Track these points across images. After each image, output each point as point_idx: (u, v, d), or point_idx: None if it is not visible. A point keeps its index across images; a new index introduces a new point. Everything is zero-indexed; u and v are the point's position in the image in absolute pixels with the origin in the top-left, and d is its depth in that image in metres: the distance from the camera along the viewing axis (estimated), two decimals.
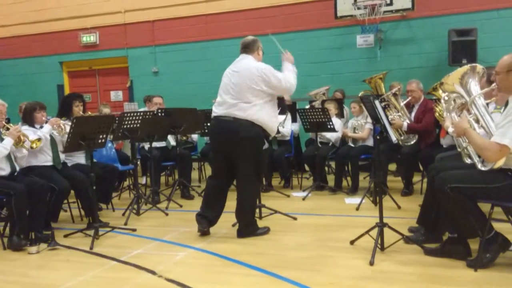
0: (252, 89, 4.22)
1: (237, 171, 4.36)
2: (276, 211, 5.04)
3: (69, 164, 5.23)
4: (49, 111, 5.40)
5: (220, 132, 4.35)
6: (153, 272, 3.57)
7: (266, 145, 4.66)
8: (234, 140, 4.23)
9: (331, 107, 6.66)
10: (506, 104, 3.25)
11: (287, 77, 4.41)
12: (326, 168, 7.31)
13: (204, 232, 4.44)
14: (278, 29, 9.38)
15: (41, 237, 4.38)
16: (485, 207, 3.39)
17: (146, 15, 10.38)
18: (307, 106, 7.47)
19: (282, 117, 5.55)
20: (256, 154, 4.32)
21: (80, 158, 5.36)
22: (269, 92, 4.30)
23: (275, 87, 4.32)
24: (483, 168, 3.31)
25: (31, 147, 4.56)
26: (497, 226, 3.45)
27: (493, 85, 3.40)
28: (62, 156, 5.07)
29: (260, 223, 4.85)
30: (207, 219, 4.43)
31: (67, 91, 11.25)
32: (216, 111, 4.37)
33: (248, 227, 4.41)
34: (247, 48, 4.46)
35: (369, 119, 6.29)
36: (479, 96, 3.43)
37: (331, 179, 6.68)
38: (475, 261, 3.31)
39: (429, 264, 3.47)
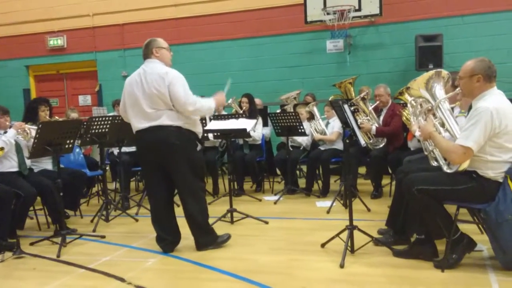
0: (163, 96, 3.85)
1: (177, 183, 4.04)
2: (247, 215, 5.03)
3: (35, 170, 5.11)
4: (15, 116, 5.27)
5: (150, 144, 3.93)
6: (122, 280, 3.51)
7: (199, 147, 4.37)
8: (165, 148, 3.89)
9: (303, 111, 6.71)
10: (470, 108, 3.34)
11: (200, 102, 3.99)
12: (298, 172, 7.36)
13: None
14: (248, 33, 9.43)
15: (6, 245, 4.26)
16: (451, 208, 3.47)
17: (115, 18, 10.24)
18: (278, 110, 7.51)
19: (253, 121, 5.55)
20: (190, 159, 4.00)
21: (47, 163, 5.25)
22: (168, 102, 3.87)
23: (177, 100, 3.86)
24: (448, 171, 3.39)
25: None
26: (462, 227, 3.54)
27: (457, 89, 3.49)
28: (28, 162, 4.95)
29: (232, 228, 4.85)
30: (168, 241, 4.13)
31: (33, 95, 10.99)
32: (139, 125, 3.94)
33: (205, 237, 4.13)
34: (144, 53, 4.09)
35: (334, 122, 6.41)
36: (444, 100, 3.51)
37: (302, 183, 6.73)
38: (442, 262, 3.38)
39: (398, 266, 3.52)
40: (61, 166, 4.67)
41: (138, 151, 4.20)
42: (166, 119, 3.90)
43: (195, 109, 3.97)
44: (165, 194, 4.11)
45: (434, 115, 3.62)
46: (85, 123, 5.44)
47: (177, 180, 4.02)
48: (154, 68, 3.98)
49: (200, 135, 4.22)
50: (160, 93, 3.86)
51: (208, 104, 4.12)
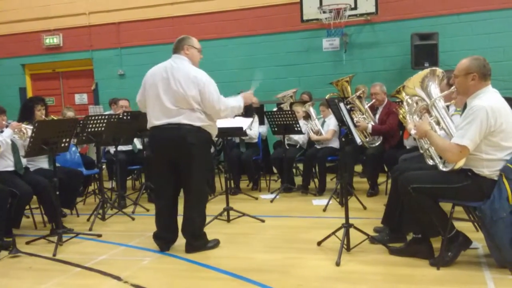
0: (188, 97, 3.85)
1: (186, 181, 4.03)
2: (244, 214, 5.04)
3: (31, 169, 5.10)
4: (11, 115, 5.25)
5: (166, 141, 3.94)
6: (118, 278, 3.51)
7: (212, 149, 4.34)
8: (182, 147, 3.88)
9: (299, 110, 6.72)
10: (465, 106, 3.36)
11: (230, 104, 4.05)
12: (294, 170, 7.36)
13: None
14: (245, 32, 9.42)
15: (2, 244, 4.24)
16: (446, 206, 3.48)
17: (111, 17, 10.20)
18: (275, 109, 7.51)
19: (249, 119, 5.55)
20: (206, 160, 4.11)
21: (43, 162, 5.24)
22: (191, 103, 3.87)
23: (211, 107, 3.92)
24: (444, 169, 3.41)
25: None
26: (458, 225, 3.55)
27: (452, 88, 3.50)
28: (24, 161, 4.94)
29: (228, 226, 4.86)
30: (166, 240, 4.15)
31: (29, 94, 10.95)
32: (157, 121, 3.96)
33: (198, 240, 4.09)
34: (174, 47, 4.07)
35: (329, 120, 6.42)
36: (439, 99, 3.52)
37: (298, 181, 6.74)
38: (438, 260, 3.40)
39: (394, 264, 3.54)
40: (57, 165, 4.66)
41: (152, 147, 4.16)
42: (187, 119, 3.90)
43: (227, 114, 4.08)
44: (171, 193, 4.11)
45: (429, 113, 3.63)
46: (81, 122, 5.43)
47: (186, 179, 4.02)
48: (182, 66, 3.96)
49: (214, 137, 4.25)
50: (186, 94, 3.86)
51: (238, 104, 4.14)
